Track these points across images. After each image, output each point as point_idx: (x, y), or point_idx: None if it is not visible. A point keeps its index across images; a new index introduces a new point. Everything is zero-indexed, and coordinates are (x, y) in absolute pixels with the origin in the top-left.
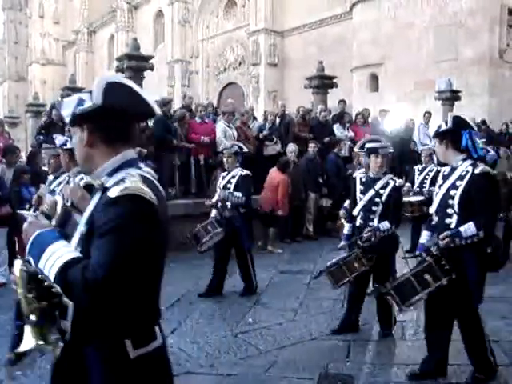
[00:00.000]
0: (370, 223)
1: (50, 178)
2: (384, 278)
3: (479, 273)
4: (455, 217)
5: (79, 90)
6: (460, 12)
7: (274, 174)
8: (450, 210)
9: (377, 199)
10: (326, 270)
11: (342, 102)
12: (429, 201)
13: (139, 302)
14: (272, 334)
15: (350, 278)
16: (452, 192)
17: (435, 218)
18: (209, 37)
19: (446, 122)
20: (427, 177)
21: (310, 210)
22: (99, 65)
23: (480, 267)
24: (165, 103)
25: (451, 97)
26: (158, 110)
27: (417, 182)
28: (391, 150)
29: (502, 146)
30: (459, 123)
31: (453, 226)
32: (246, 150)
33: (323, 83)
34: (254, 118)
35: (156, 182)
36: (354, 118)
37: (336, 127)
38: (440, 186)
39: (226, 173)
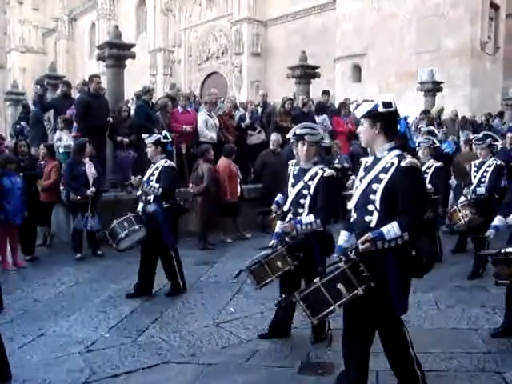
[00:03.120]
0: (298, 217)
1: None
2: (310, 281)
3: (402, 280)
4: (376, 214)
5: (59, 78)
6: (442, 4)
7: (221, 163)
8: (370, 207)
9: (305, 191)
10: (246, 268)
11: (326, 93)
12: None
13: None
14: (253, 324)
15: (272, 278)
16: (374, 186)
17: (354, 215)
18: (191, 26)
19: (386, 103)
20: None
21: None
22: (80, 53)
23: (403, 273)
24: (145, 92)
25: (433, 88)
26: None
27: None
28: (326, 141)
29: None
30: (394, 106)
31: (373, 224)
32: (170, 139)
33: (306, 73)
34: (237, 108)
35: None
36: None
37: (323, 119)
38: (361, 178)
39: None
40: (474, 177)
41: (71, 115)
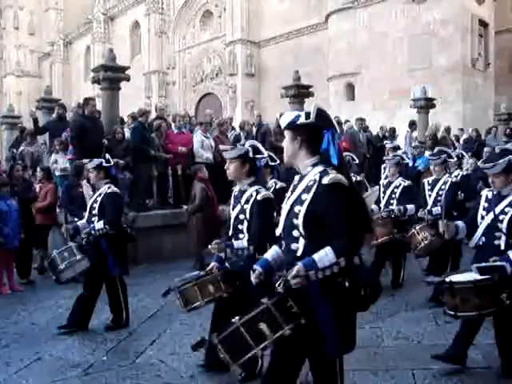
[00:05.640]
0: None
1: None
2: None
3: (336, 316)
4: (302, 241)
5: (55, 101)
6: (433, 22)
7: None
8: (295, 233)
9: (241, 216)
10: (176, 288)
11: None
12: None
13: None
14: None
15: (201, 303)
16: (296, 208)
17: (282, 243)
18: (185, 48)
19: (308, 114)
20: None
21: None
22: (75, 76)
23: (337, 308)
24: (141, 114)
25: (426, 105)
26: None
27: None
28: (261, 155)
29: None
30: (323, 119)
31: (299, 253)
32: (112, 163)
33: (299, 92)
34: (233, 128)
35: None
36: None
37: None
38: (288, 199)
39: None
40: (429, 196)
41: (66, 138)
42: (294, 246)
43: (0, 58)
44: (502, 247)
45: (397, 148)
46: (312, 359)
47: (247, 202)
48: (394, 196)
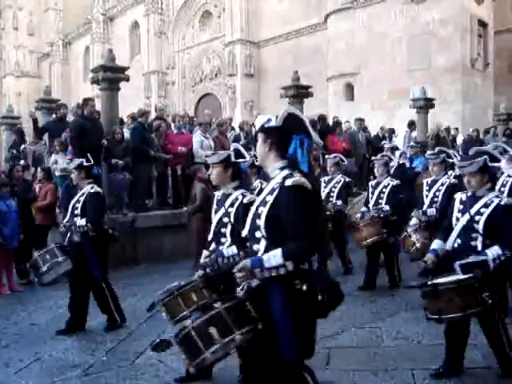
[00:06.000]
0: (221, 247)
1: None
2: None
3: (294, 320)
4: (263, 242)
5: (54, 102)
6: (432, 22)
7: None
8: (258, 234)
9: (225, 219)
10: (158, 301)
11: (322, 118)
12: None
13: None
14: None
15: (186, 313)
16: (260, 209)
17: (248, 244)
18: (185, 48)
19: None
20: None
21: None
22: (75, 76)
23: (294, 312)
24: (141, 114)
25: (425, 105)
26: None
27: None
28: (245, 159)
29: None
30: (295, 124)
31: (260, 254)
32: (92, 162)
33: (299, 93)
34: (232, 129)
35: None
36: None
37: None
38: (256, 201)
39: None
40: (426, 196)
41: (66, 138)
42: (255, 246)
43: None
44: (479, 248)
45: (395, 148)
46: (272, 365)
47: (232, 205)
48: (382, 196)
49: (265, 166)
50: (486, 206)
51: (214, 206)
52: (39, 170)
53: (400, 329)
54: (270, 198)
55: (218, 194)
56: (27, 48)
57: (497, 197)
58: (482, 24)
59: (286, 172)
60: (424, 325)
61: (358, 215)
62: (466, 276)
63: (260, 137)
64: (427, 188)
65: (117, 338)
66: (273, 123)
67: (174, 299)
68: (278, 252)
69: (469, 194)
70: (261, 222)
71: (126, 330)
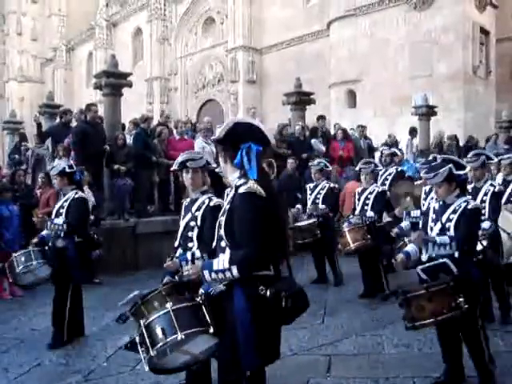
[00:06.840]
0: (188, 252)
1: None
2: None
3: (255, 324)
4: (227, 251)
5: (57, 107)
6: (434, 30)
7: None
8: (222, 243)
9: (192, 223)
10: (127, 312)
11: (321, 117)
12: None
13: None
14: None
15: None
16: (220, 219)
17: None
18: (187, 54)
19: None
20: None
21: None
22: (77, 82)
23: (256, 317)
24: (143, 120)
25: (427, 112)
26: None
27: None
28: (214, 165)
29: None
30: (240, 132)
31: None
32: (75, 168)
33: (301, 99)
34: None
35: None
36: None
37: (313, 142)
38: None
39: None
40: (423, 205)
41: (69, 143)
42: (221, 256)
43: (3, 63)
44: (456, 255)
45: (394, 154)
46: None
47: (199, 209)
48: (367, 202)
49: (227, 177)
50: (454, 212)
51: (182, 214)
52: (42, 174)
53: (401, 336)
54: (227, 207)
55: (185, 203)
56: (30, 53)
57: (465, 201)
58: (484, 32)
59: (241, 181)
60: (425, 332)
61: (346, 223)
62: (434, 282)
63: (218, 149)
64: (424, 197)
65: (117, 344)
66: (221, 134)
67: (139, 309)
68: (225, 256)
69: (440, 202)
70: (222, 231)
71: (126, 335)
